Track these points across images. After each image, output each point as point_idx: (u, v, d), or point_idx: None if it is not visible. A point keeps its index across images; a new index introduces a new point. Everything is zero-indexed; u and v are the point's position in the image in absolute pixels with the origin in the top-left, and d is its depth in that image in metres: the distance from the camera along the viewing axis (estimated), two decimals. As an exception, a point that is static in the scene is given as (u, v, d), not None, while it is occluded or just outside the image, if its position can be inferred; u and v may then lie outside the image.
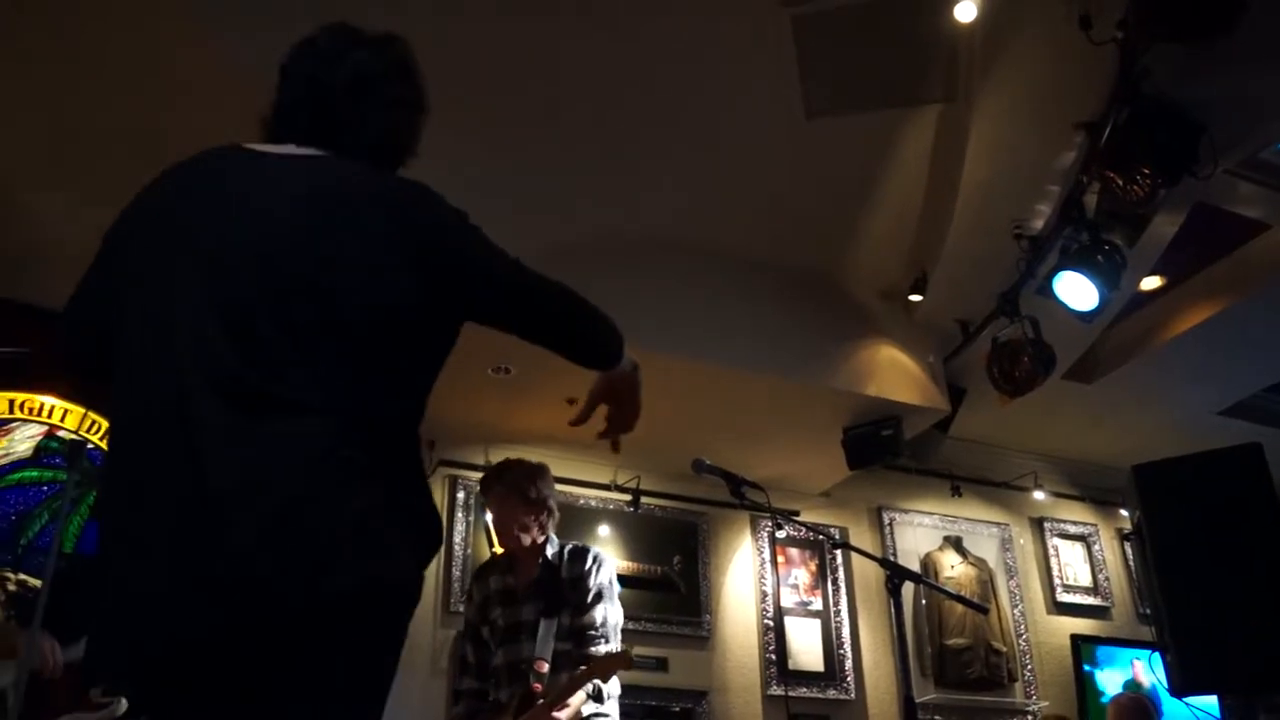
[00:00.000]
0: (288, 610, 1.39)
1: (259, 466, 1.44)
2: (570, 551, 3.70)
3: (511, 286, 1.94)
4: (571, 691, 3.34)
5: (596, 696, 3.42)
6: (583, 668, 3.39)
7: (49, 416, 5.08)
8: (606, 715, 3.48)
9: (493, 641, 3.65)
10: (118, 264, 1.74)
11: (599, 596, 3.59)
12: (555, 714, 3.29)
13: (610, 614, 3.61)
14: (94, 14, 3.54)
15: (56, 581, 3.02)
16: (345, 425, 1.51)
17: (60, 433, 5.07)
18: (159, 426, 1.49)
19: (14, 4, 3.42)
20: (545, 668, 3.44)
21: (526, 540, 3.65)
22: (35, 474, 4.99)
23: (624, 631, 6.21)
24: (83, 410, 5.14)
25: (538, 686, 3.40)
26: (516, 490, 3.70)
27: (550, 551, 3.67)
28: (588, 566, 3.62)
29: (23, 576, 4.74)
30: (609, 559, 3.77)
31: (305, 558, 1.40)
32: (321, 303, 1.57)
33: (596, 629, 3.54)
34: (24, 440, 4.99)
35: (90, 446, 5.08)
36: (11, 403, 4.99)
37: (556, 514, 3.77)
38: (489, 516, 3.73)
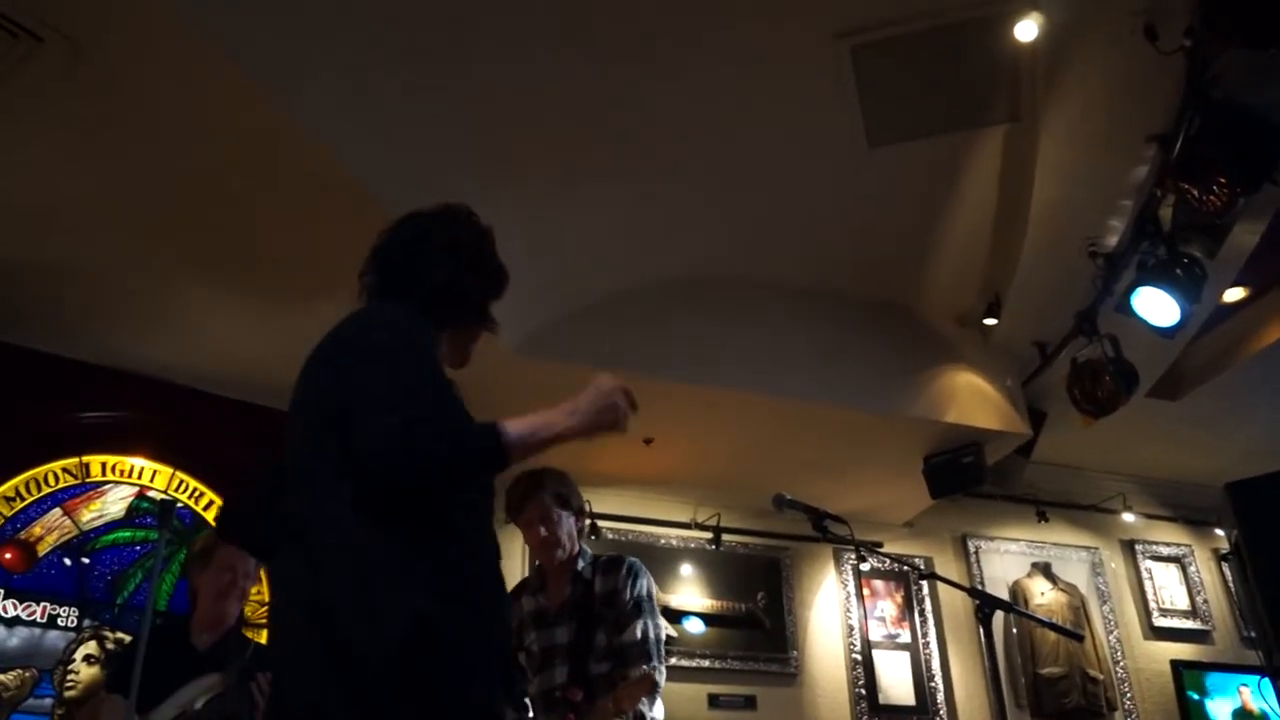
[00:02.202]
0: None
1: None
2: (603, 564, 3.43)
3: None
4: None
5: None
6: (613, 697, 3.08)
7: (139, 478, 5.21)
8: None
9: (530, 668, 3.38)
10: None
11: (638, 610, 3.30)
12: None
13: (651, 629, 3.29)
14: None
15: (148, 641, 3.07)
16: None
17: (150, 493, 5.20)
18: None
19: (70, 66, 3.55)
20: (580, 696, 3.14)
21: (564, 554, 3.40)
22: (128, 534, 5.13)
23: (711, 670, 6.30)
24: (170, 470, 5.27)
25: (572, 717, 3.12)
26: (559, 498, 3.45)
27: (582, 565, 3.41)
28: (623, 578, 3.36)
29: (120, 634, 4.85)
30: (644, 569, 3.46)
31: None
32: None
33: (637, 645, 3.24)
34: (117, 501, 5.13)
35: (179, 505, 5.21)
36: (104, 465, 5.14)
37: (586, 526, 3.57)
38: (529, 531, 3.37)
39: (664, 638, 3.36)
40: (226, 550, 3.46)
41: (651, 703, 3.20)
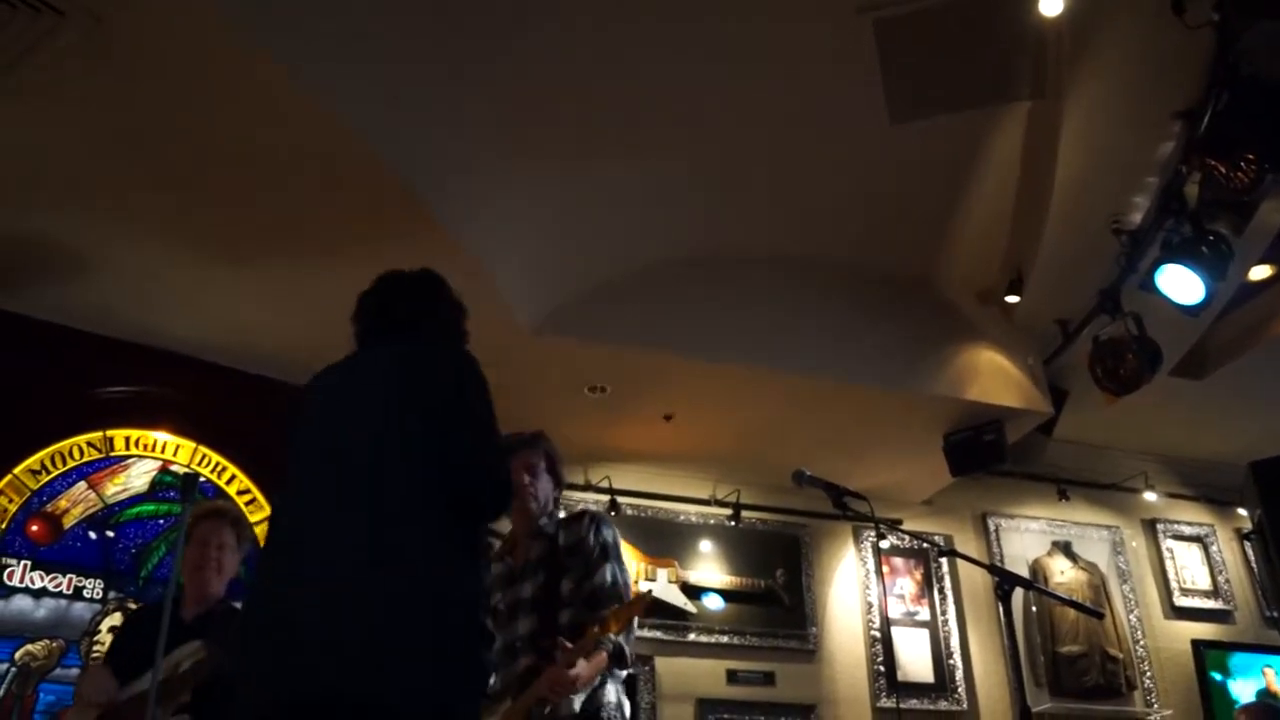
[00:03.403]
0: None
1: None
2: (566, 519, 3.46)
3: None
4: (588, 648, 3.06)
5: (618, 658, 3.17)
6: (598, 627, 3.10)
7: (162, 452, 5.26)
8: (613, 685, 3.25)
9: (496, 626, 3.39)
10: None
11: (604, 555, 3.33)
12: (571, 671, 3.00)
13: (620, 574, 3.33)
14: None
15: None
16: None
17: (173, 467, 5.25)
18: None
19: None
20: (568, 646, 3.08)
21: (537, 508, 3.43)
22: (152, 508, 5.18)
23: (730, 646, 6.33)
24: (193, 445, 5.31)
25: (560, 652, 3.06)
26: (549, 458, 3.51)
27: (545, 522, 3.43)
28: (586, 527, 3.37)
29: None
30: (608, 519, 3.49)
31: None
32: None
33: (608, 589, 3.27)
34: (140, 475, 5.18)
35: (202, 479, 5.25)
36: (128, 440, 5.19)
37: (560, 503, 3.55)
38: (515, 478, 3.33)
39: (630, 585, 3.38)
40: (203, 526, 3.55)
41: (628, 638, 3.22)
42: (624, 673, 3.34)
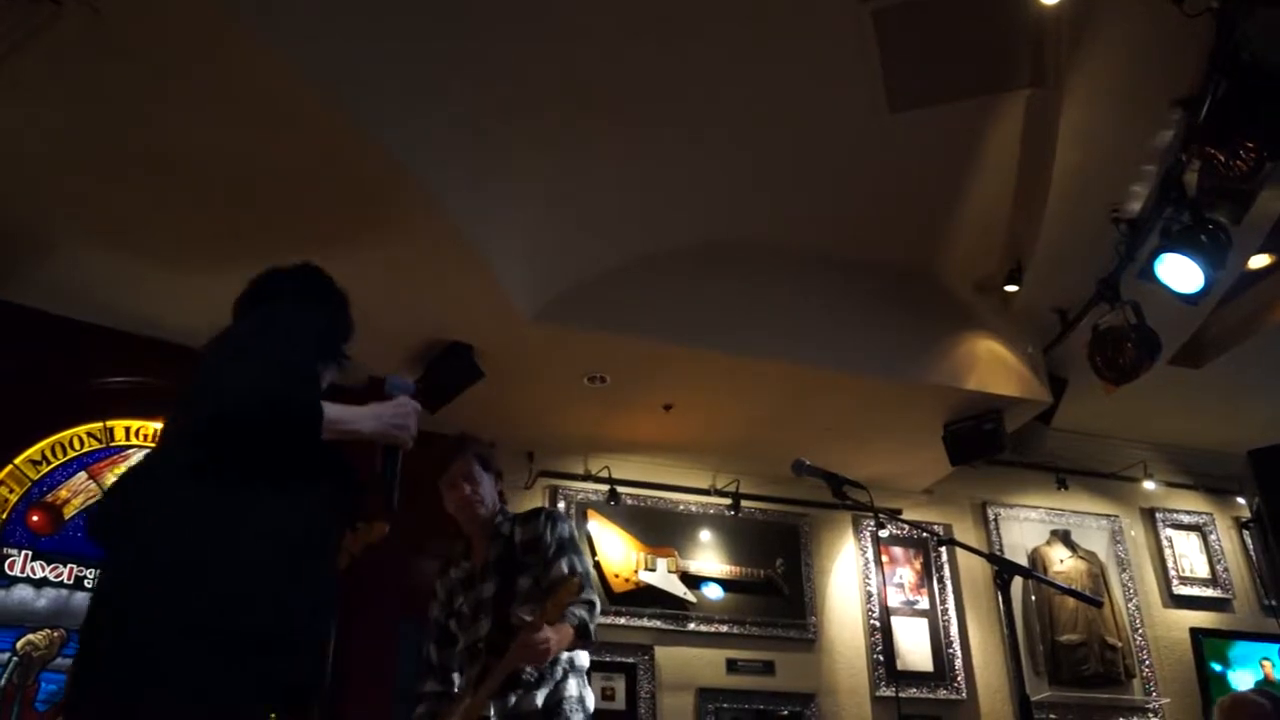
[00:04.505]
0: None
1: None
2: (521, 517, 3.50)
3: None
4: (551, 618, 3.06)
5: (583, 633, 3.18)
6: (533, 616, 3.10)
7: (163, 442, 5.26)
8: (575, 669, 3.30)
9: (460, 630, 3.45)
10: None
11: (561, 549, 3.36)
12: (540, 634, 3.00)
13: (578, 563, 3.35)
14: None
15: None
16: None
17: (175, 457, 5.25)
18: None
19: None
20: (531, 616, 3.12)
21: (485, 511, 3.46)
22: (152, 498, 5.18)
23: (730, 635, 6.34)
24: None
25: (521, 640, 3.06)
26: (480, 459, 3.53)
27: (500, 520, 3.48)
28: (542, 524, 3.41)
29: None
30: (563, 515, 3.51)
31: None
32: None
33: (565, 578, 3.24)
34: (141, 465, 5.19)
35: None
36: (128, 430, 5.19)
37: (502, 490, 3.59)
38: (452, 490, 3.47)
39: (591, 567, 3.39)
40: None
41: (591, 615, 3.22)
42: (585, 664, 3.37)
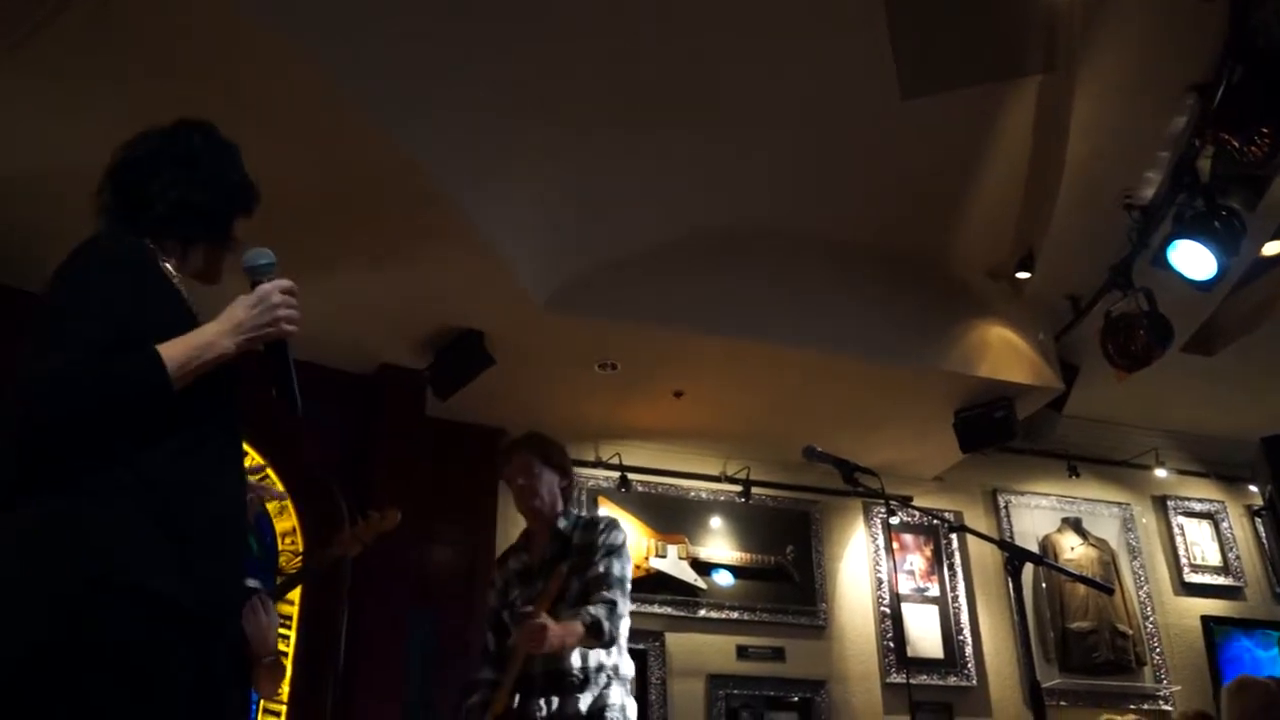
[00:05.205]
0: None
1: None
2: (584, 521, 3.56)
3: None
4: (544, 608, 3.09)
5: (595, 631, 3.16)
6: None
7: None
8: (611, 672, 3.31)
9: (512, 625, 3.46)
10: None
11: (607, 553, 3.39)
12: (539, 620, 3.01)
13: (617, 568, 3.38)
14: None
15: None
16: None
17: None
18: None
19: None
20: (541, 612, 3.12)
21: (541, 505, 3.51)
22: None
23: (740, 622, 6.35)
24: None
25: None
26: (541, 454, 3.60)
27: (563, 524, 3.52)
28: (599, 532, 3.46)
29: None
30: (621, 525, 3.58)
31: None
32: None
33: (600, 578, 3.32)
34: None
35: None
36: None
37: (573, 491, 3.67)
38: (513, 485, 3.57)
39: (629, 578, 3.43)
40: None
41: (610, 615, 3.22)
42: (630, 674, 3.40)
